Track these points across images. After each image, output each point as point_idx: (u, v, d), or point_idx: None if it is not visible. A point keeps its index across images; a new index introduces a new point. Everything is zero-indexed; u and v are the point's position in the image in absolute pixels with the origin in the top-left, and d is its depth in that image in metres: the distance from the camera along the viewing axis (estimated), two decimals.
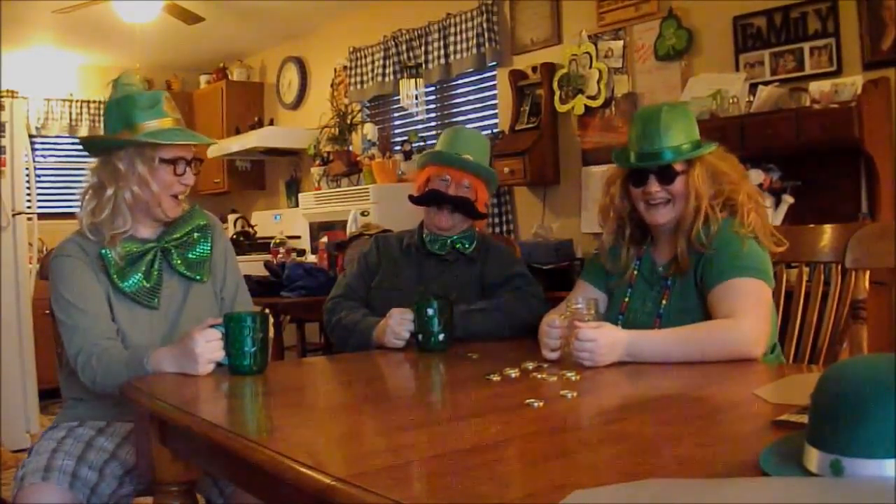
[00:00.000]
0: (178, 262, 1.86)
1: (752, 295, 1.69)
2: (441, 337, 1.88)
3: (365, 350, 2.07)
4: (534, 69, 4.42)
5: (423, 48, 5.01)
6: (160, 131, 1.81)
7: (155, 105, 1.82)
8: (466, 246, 2.29)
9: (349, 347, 2.14)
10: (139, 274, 1.82)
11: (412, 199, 2.33)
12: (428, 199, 2.27)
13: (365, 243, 2.47)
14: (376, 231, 3.94)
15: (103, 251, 1.80)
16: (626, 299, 1.90)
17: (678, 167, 1.80)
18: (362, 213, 4.77)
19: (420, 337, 1.90)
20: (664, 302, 1.82)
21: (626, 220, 1.92)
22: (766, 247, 1.78)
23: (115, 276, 1.80)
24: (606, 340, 1.59)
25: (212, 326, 1.63)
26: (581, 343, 1.58)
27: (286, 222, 5.93)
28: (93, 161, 1.92)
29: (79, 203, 1.88)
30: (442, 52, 4.87)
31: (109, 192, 1.81)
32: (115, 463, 1.77)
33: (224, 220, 6.43)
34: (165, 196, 1.83)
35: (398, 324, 1.97)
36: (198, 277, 1.88)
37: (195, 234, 1.90)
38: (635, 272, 1.92)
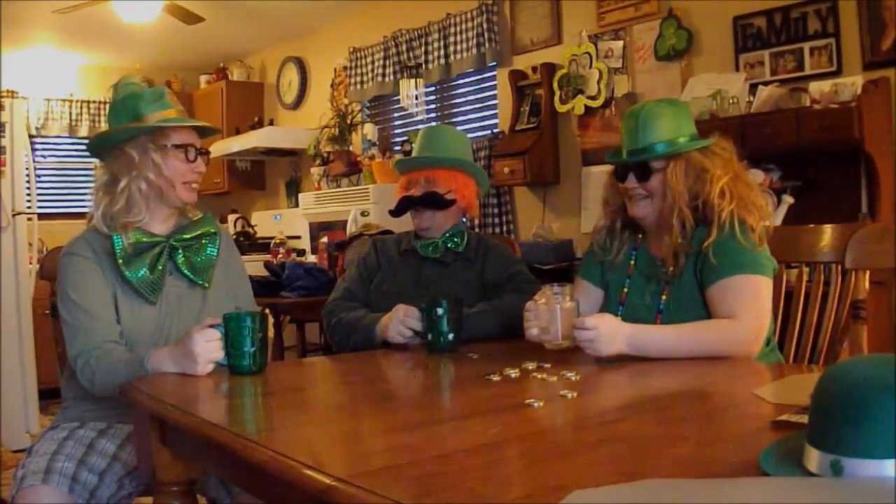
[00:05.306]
0: (183, 262, 1.87)
1: (750, 292, 1.70)
2: (451, 337, 1.88)
3: (368, 346, 2.07)
4: (534, 69, 4.42)
5: (423, 48, 5.01)
6: (168, 119, 1.85)
7: (160, 98, 1.87)
8: (458, 242, 2.30)
9: (351, 344, 2.13)
10: (145, 266, 1.82)
11: (391, 213, 2.42)
12: (399, 208, 2.35)
13: (363, 245, 2.48)
14: (376, 231, 3.95)
15: (115, 236, 1.81)
16: (625, 290, 1.92)
17: (656, 164, 1.81)
18: (362, 213, 4.77)
19: (430, 337, 1.90)
20: (664, 297, 1.83)
21: (617, 212, 1.96)
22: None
23: (121, 264, 1.80)
24: (607, 329, 1.60)
25: (211, 326, 1.63)
26: (581, 332, 1.60)
27: (286, 222, 5.93)
28: (95, 161, 1.95)
29: (91, 201, 1.89)
30: (442, 52, 4.87)
31: (123, 183, 1.83)
32: (116, 466, 1.77)
33: (224, 220, 6.44)
34: (179, 183, 1.87)
35: (402, 319, 1.97)
36: (200, 282, 1.89)
37: (203, 240, 1.91)
38: (632, 262, 1.93)
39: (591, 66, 4.13)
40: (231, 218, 6.41)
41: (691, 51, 3.76)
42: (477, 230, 3.98)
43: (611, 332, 1.61)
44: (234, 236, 5.91)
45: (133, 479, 1.79)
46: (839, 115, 2.94)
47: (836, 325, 1.82)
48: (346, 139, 5.41)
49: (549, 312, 1.70)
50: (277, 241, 5.47)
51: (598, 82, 4.10)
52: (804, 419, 0.92)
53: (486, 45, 4.62)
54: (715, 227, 1.75)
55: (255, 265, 4.51)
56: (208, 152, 1.96)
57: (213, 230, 1.93)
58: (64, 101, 6.37)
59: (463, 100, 5.08)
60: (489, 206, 4.63)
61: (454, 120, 5.06)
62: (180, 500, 1.48)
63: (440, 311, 1.88)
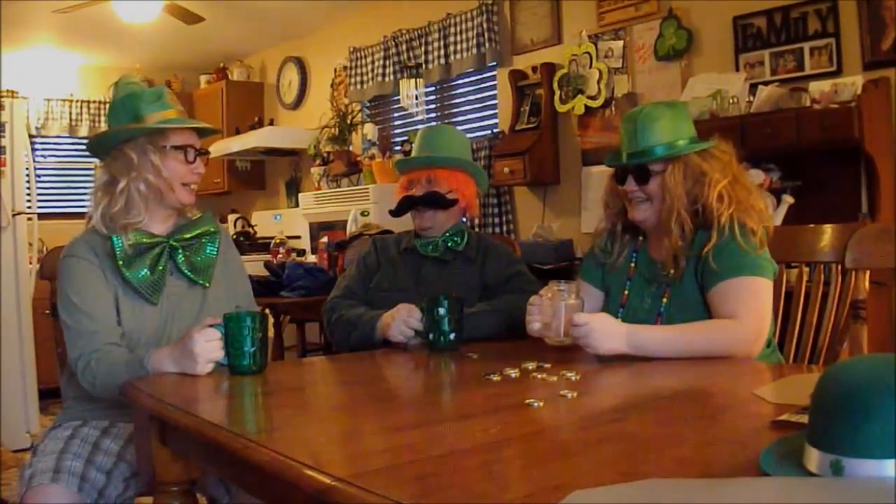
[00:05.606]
0: (183, 262, 1.87)
1: (750, 293, 1.70)
2: (452, 336, 1.89)
3: (367, 343, 2.07)
4: (534, 69, 4.42)
5: (423, 48, 5.01)
6: (167, 120, 1.85)
7: (159, 98, 1.87)
8: (458, 242, 2.30)
9: (351, 341, 2.13)
10: (145, 266, 1.82)
11: (391, 213, 2.42)
12: (400, 208, 2.35)
13: (364, 244, 2.49)
14: (376, 231, 3.95)
15: (114, 237, 1.81)
16: (626, 292, 1.92)
17: (654, 167, 1.81)
18: (362, 213, 4.77)
19: (431, 336, 1.90)
20: (664, 300, 1.82)
21: (618, 215, 1.96)
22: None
23: (121, 265, 1.80)
24: (600, 326, 1.61)
25: (211, 326, 1.63)
26: (575, 329, 1.61)
27: (286, 222, 5.93)
28: (95, 161, 1.95)
29: (90, 201, 1.89)
30: (442, 52, 4.87)
31: (122, 184, 1.83)
32: (122, 465, 1.77)
33: (224, 220, 6.44)
34: (178, 184, 1.87)
35: (406, 319, 1.97)
36: (201, 281, 1.89)
37: (203, 240, 1.91)
38: (633, 265, 1.93)
39: (591, 66, 4.13)
40: (231, 218, 6.41)
41: (691, 51, 3.76)
42: (477, 230, 3.98)
43: (605, 329, 1.61)
44: (234, 236, 5.92)
45: (138, 479, 1.78)
46: (839, 115, 2.94)
47: (836, 325, 1.82)
48: (346, 139, 5.41)
49: (552, 308, 1.70)
50: (277, 241, 5.47)
51: (598, 82, 4.10)
52: (804, 419, 0.92)
53: (486, 45, 4.62)
54: (715, 231, 1.75)
55: (255, 265, 4.51)
56: (208, 153, 1.96)
57: (212, 229, 1.93)
58: (64, 101, 6.37)
59: (463, 100, 5.08)
60: (489, 206, 4.63)
61: (454, 120, 5.06)
62: (180, 500, 1.48)
63: (441, 310, 1.88)
